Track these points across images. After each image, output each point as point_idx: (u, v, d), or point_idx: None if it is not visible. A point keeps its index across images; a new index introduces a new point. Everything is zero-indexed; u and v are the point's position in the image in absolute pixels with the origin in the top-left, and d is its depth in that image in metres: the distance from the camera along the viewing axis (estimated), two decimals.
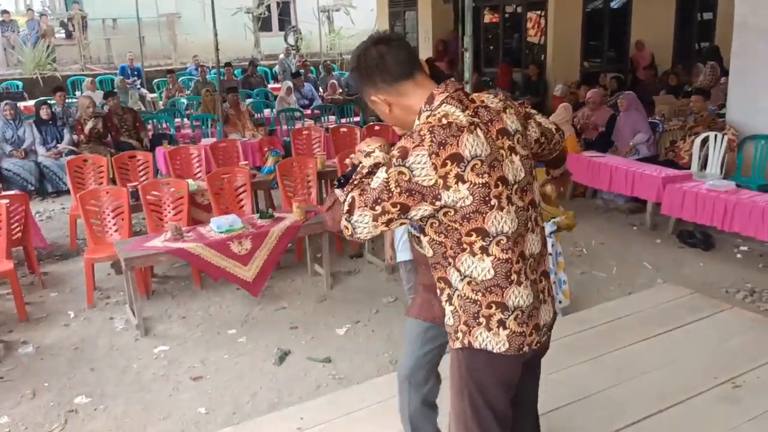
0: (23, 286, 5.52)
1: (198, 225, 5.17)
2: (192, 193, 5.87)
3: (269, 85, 13.60)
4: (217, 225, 4.91)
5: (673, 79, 10.74)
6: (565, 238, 6.38)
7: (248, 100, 11.48)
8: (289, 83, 10.96)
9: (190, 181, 6.11)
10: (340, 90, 11.93)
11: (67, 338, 4.67)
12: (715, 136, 6.90)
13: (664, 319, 3.73)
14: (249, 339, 4.58)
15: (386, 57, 1.78)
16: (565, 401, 2.94)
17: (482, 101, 1.81)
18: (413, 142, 1.66)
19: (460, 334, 1.82)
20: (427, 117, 1.74)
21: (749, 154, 6.82)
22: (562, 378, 3.11)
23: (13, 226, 5.46)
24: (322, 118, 10.56)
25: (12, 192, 6.04)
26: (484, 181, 1.68)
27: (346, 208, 1.71)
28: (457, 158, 1.66)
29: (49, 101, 9.05)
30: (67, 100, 9.70)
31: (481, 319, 1.78)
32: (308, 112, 10.75)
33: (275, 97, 11.36)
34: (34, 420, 3.69)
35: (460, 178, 1.66)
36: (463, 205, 1.68)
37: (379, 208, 1.67)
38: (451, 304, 1.82)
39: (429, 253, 1.82)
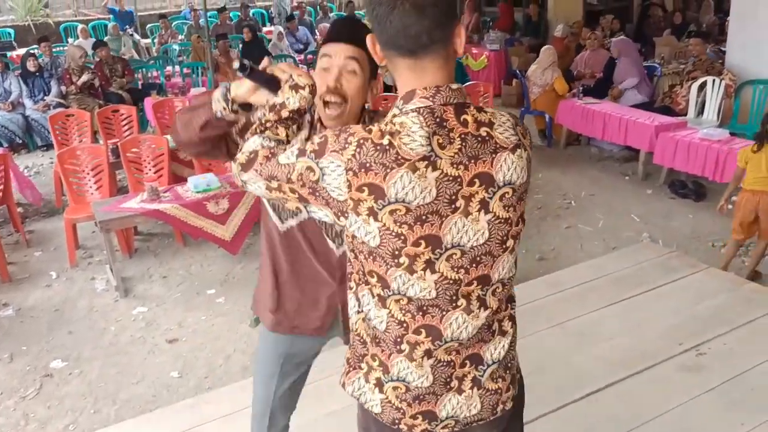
0: (8, 245, 5.56)
1: (177, 184, 5.11)
2: (173, 149, 5.79)
3: (264, 29, 13.28)
4: (194, 185, 4.86)
5: (678, 17, 10.36)
6: (554, 189, 6.33)
7: (241, 46, 11.24)
8: (280, 28, 10.71)
9: (170, 136, 6.02)
10: None
11: (48, 300, 4.71)
12: (713, 81, 6.69)
13: (636, 280, 3.67)
14: (227, 299, 4.59)
15: (394, 14, 1.27)
16: (527, 369, 2.91)
17: (488, 124, 1.34)
18: (335, 143, 1.30)
19: (343, 369, 1.54)
20: (387, 118, 1.33)
21: (747, 100, 6.62)
22: (523, 345, 3.04)
23: None
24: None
25: None
26: (400, 232, 1.29)
27: (243, 158, 1.41)
28: (376, 190, 1.27)
29: (35, 52, 8.89)
30: (54, 50, 9.51)
31: (364, 365, 1.48)
32: (301, 57, 10.52)
33: (269, 41, 11.10)
34: (9, 385, 3.74)
35: (372, 214, 1.29)
36: (368, 242, 1.32)
37: (275, 184, 1.37)
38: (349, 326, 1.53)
39: (347, 263, 1.48)
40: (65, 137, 6.62)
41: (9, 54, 10.37)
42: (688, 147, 5.80)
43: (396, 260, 1.32)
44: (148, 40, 12.82)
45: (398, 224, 1.29)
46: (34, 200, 6.11)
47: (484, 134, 1.33)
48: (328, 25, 11.83)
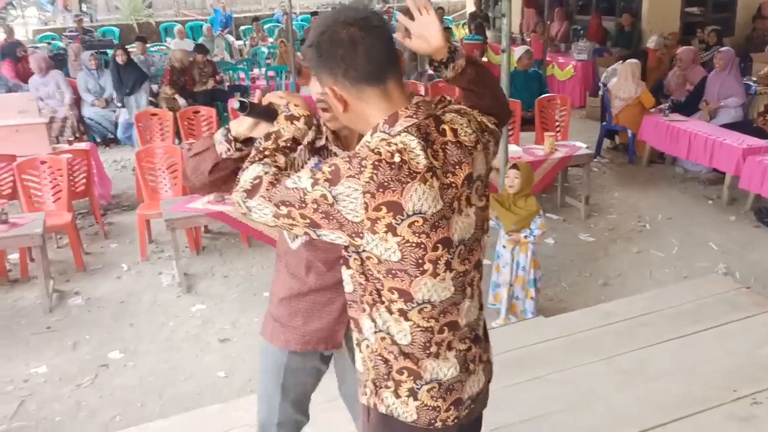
0: (88, 236, 5.88)
1: None
2: None
3: None
4: None
5: None
6: (629, 210, 6.06)
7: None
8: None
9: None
10: None
11: (116, 291, 4.94)
12: None
13: (696, 317, 3.44)
14: None
15: (358, 47, 1.36)
16: (560, 406, 2.80)
17: (454, 131, 1.45)
18: (349, 170, 1.33)
19: (367, 390, 1.59)
20: (380, 141, 1.38)
21: None
22: (564, 379, 2.96)
23: (77, 179, 5.76)
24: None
25: (80, 146, 6.32)
26: (420, 242, 1.37)
27: (246, 185, 1.42)
28: (394, 207, 1.33)
29: (132, 51, 9.35)
30: (150, 49, 9.99)
31: (390, 383, 1.53)
32: None
33: None
34: (68, 372, 3.94)
35: (391, 230, 1.35)
36: (388, 258, 1.38)
37: (284, 210, 1.37)
38: (360, 351, 1.57)
39: (348, 288, 1.53)
40: (149, 135, 6.94)
41: (110, 53, 10.94)
42: None
43: (420, 268, 1.40)
44: (241, 42, 13.25)
45: (417, 235, 1.37)
46: (102, 196, 6.40)
47: (459, 138, 1.46)
48: None
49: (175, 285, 4.97)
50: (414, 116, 1.40)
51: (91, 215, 6.20)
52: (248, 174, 1.44)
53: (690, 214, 5.96)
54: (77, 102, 8.35)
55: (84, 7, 14.93)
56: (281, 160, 1.49)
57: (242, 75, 10.13)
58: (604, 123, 7.68)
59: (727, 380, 2.95)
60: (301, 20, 14.10)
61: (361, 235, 1.36)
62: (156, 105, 8.53)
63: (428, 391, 1.52)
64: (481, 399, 1.66)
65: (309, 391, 2.15)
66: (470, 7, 15.15)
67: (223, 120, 8.21)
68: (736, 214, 5.87)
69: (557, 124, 6.94)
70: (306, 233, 1.41)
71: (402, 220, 1.35)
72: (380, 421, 1.58)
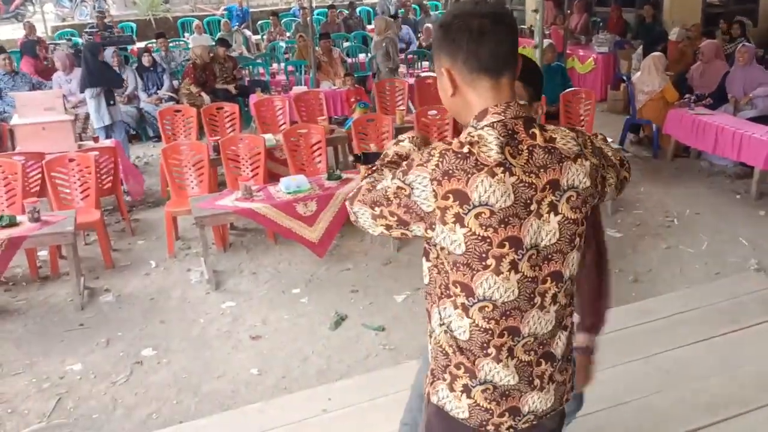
0: (115, 232, 5.92)
1: (270, 184, 5.26)
2: (270, 148, 5.97)
3: (368, 27, 13.41)
4: (285, 186, 4.98)
5: None
6: (656, 205, 6.02)
7: (346, 44, 11.39)
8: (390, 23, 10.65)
9: (269, 136, 6.21)
10: None
11: (145, 288, 4.97)
12: None
13: (733, 316, 3.41)
14: (310, 300, 4.68)
15: (485, 38, 1.42)
16: (600, 405, 2.78)
17: (550, 139, 1.47)
18: (420, 159, 1.44)
19: (427, 380, 1.64)
20: (463, 133, 1.46)
21: None
22: (604, 378, 2.91)
23: (104, 176, 5.79)
24: (416, 64, 10.32)
25: (105, 143, 6.35)
26: (486, 235, 1.40)
27: (354, 193, 1.55)
28: (460, 196, 1.38)
29: (150, 47, 9.38)
30: (170, 45, 10.00)
31: (447, 376, 1.57)
32: (402, 57, 10.52)
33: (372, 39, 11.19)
34: (103, 369, 3.98)
35: (459, 220, 1.40)
36: (453, 251, 1.43)
37: (378, 210, 1.49)
38: (430, 342, 1.63)
39: (426, 279, 1.59)
40: (173, 131, 6.96)
41: (129, 48, 11.00)
42: None
43: (483, 263, 1.42)
44: (258, 37, 13.24)
45: (483, 227, 1.40)
46: (135, 193, 6.44)
47: (550, 146, 1.46)
48: (431, 25, 11.83)
49: (203, 282, 4.99)
50: (502, 114, 1.44)
51: (116, 212, 6.24)
52: (356, 185, 1.59)
53: (718, 209, 5.91)
54: None
55: (103, 4, 14.96)
56: (386, 173, 1.57)
57: (261, 70, 10.12)
58: (628, 116, 7.62)
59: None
60: (318, 14, 14.07)
61: (433, 226, 1.43)
62: (177, 101, 8.57)
63: (482, 391, 1.53)
64: (551, 417, 1.63)
65: None
66: None
67: (247, 117, 8.22)
68: (765, 209, 5.82)
69: (581, 118, 6.89)
70: (403, 234, 1.50)
71: (468, 210, 1.39)
72: (434, 412, 1.62)
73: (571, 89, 7.09)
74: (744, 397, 2.82)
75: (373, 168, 1.60)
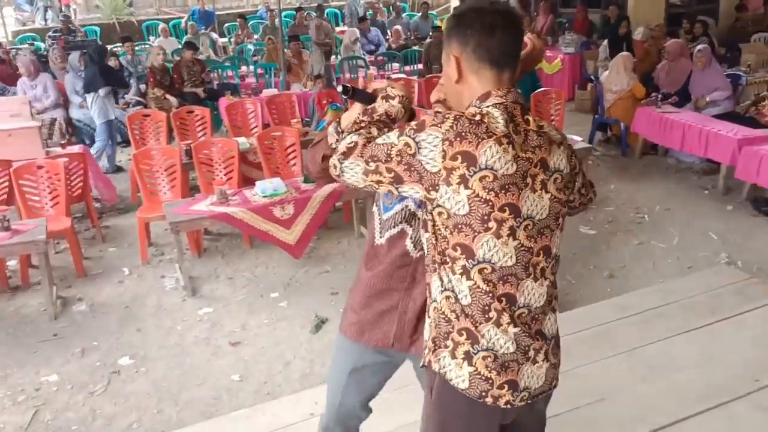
0: (85, 240, 5.80)
1: (245, 188, 5.20)
2: (244, 151, 5.92)
3: (338, 29, 13.39)
4: (262, 189, 4.93)
5: None
6: (627, 202, 6.12)
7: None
8: (356, 32, 10.68)
9: (242, 139, 6.16)
10: (404, 37, 11.55)
11: (119, 296, 4.87)
12: None
13: (711, 308, 3.48)
14: (290, 304, 4.64)
15: (495, 32, 1.57)
16: (586, 400, 2.82)
17: (540, 126, 1.60)
18: (433, 120, 1.52)
19: (426, 350, 1.67)
20: (470, 109, 1.57)
21: None
22: (588, 373, 2.98)
23: (73, 183, 5.67)
24: (386, 65, 10.34)
25: (73, 149, 6.22)
26: (488, 198, 1.49)
27: (342, 148, 1.58)
28: (469, 158, 1.48)
29: (117, 51, 9.23)
30: (136, 49, 9.85)
31: (449, 343, 1.61)
32: (371, 58, 10.53)
33: (341, 42, 11.18)
34: (80, 379, 3.89)
35: (463, 181, 1.48)
36: (456, 212, 1.51)
37: (373, 165, 1.54)
38: (429, 316, 1.67)
39: (425, 250, 1.66)
40: (142, 136, 6.85)
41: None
42: None
43: (485, 225, 1.51)
44: (225, 40, 13.12)
45: (486, 191, 1.49)
46: (108, 199, 6.32)
47: (541, 131, 1.60)
48: (400, 27, 11.87)
49: (179, 288, 4.92)
50: (503, 97, 1.57)
51: (86, 219, 6.11)
52: (345, 141, 1.61)
53: (687, 205, 6.03)
54: (64, 104, 8.20)
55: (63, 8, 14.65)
56: (374, 131, 1.63)
57: (230, 73, 10.03)
58: (596, 116, 7.73)
59: (749, 370, 2.99)
60: (286, 16, 13.99)
61: (437, 187, 1.50)
62: (145, 105, 8.44)
63: (483, 359, 1.57)
64: (541, 400, 1.70)
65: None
66: (455, 2, 15.14)
67: (217, 120, 8.13)
68: (732, 204, 5.95)
69: (552, 118, 6.98)
70: (390, 191, 1.57)
71: (474, 172, 1.48)
72: (439, 383, 1.65)
73: (541, 89, 7.16)
74: (726, 386, 2.89)
75: (361, 124, 1.65)
